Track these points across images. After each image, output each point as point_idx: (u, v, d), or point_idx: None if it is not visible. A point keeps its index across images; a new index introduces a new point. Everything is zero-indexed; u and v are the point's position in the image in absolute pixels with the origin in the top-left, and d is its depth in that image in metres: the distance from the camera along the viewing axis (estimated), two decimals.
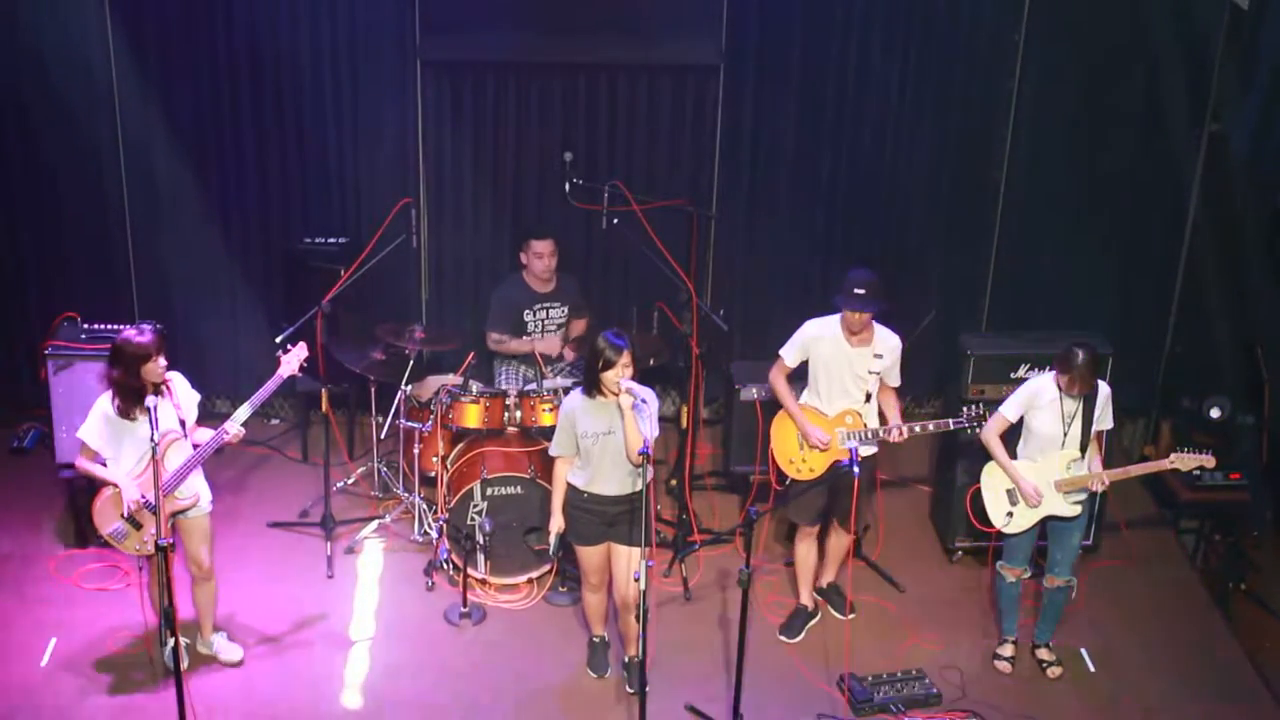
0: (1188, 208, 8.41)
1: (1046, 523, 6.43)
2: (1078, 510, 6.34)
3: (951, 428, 6.55)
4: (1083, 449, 6.26)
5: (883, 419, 6.55)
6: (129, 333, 5.84)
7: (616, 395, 5.84)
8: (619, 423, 5.93)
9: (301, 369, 6.28)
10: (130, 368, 5.80)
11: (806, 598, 6.90)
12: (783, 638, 6.80)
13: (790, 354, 6.55)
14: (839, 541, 6.87)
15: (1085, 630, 6.87)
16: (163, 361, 5.86)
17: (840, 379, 6.48)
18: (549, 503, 6.32)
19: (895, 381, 6.56)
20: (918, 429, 6.51)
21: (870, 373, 6.46)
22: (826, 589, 7.04)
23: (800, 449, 6.55)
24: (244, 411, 6.03)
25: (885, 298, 6.38)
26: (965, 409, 6.52)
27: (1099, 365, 6.18)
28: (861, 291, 6.31)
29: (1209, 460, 6.15)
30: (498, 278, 7.97)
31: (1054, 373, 6.25)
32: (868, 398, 6.52)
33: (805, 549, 6.80)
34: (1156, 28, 7.99)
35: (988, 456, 6.46)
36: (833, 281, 6.52)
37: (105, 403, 5.92)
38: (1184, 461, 6.17)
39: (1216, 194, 8.20)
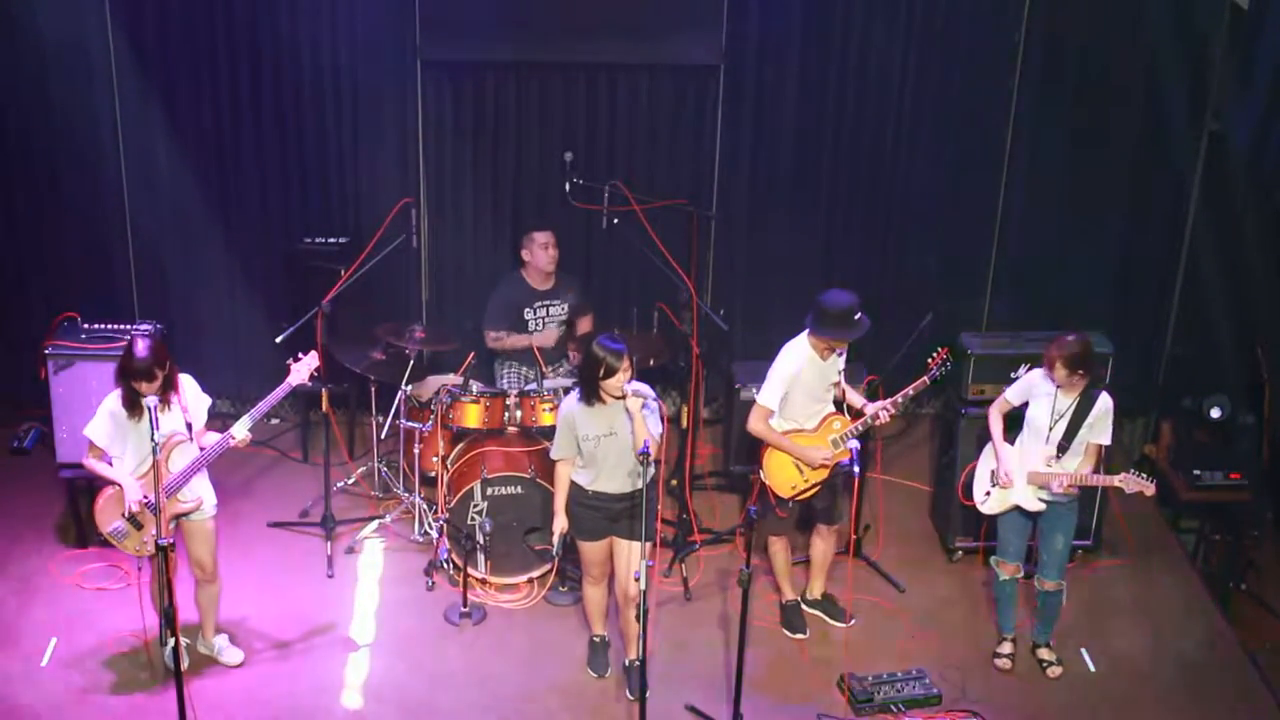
0: (1188, 208, 8.42)
1: (1037, 523, 6.45)
2: (1041, 506, 6.35)
3: (929, 382, 6.43)
4: (1061, 450, 6.24)
5: (852, 410, 6.53)
6: (138, 346, 5.80)
7: (621, 399, 5.84)
8: (620, 423, 5.94)
9: (311, 379, 6.24)
10: (126, 380, 5.83)
11: (791, 591, 6.90)
12: (799, 636, 6.80)
13: (774, 397, 6.41)
14: (826, 548, 6.85)
15: (1085, 630, 6.87)
16: (158, 383, 5.79)
17: (819, 393, 6.47)
18: (550, 503, 6.33)
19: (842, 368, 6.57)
20: (900, 399, 6.40)
21: (838, 373, 6.48)
22: (821, 600, 7.00)
23: (801, 473, 6.50)
24: (249, 419, 6.03)
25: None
26: (930, 359, 6.41)
27: (1083, 359, 6.11)
28: (859, 316, 6.31)
29: (1149, 488, 6.10)
30: (498, 278, 7.97)
31: None
32: (842, 396, 6.56)
33: (780, 547, 6.79)
34: (1156, 28, 8.00)
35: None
36: (833, 281, 6.52)
37: (112, 401, 5.92)
38: (1128, 483, 6.14)
39: (1216, 194, 8.20)
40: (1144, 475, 6.19)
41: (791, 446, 6.45)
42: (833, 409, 6.53)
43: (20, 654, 6.47)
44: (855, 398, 6.59)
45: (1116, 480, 6.18)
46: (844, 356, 6.50)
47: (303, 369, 6.17)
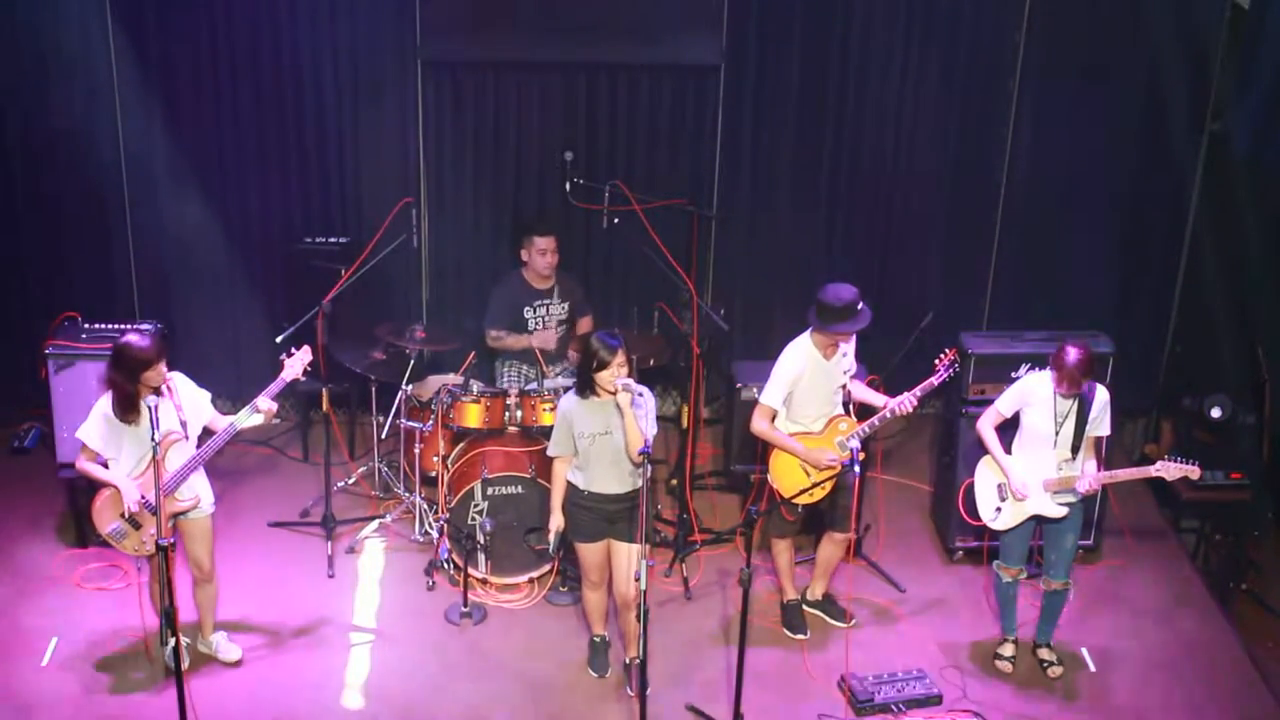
0: (1188, 207, 8.43)
1: (1041, 525, 6.44)
2: (1064, 511, 6.32)
3: (937, 385, 6.41)
4: (1074, 450, 6.24)
5: (865, 407, 6.52)
6: (131, 337, 5.83)
7: (613, 394, 5.85)
8: (615, 423, 5.94)
9: (305, 373, 6.27)
10: (130, 373, 5.80)
11: (792, 591, 6.89)
12: (799, 636, 6.79)
13: (778, 397, 6.40)
14: (834, 551, 6.83)
15: (1085, 630, 6.87)
16: (163, 367, 5.85)
17: (825, 394, 6.46)
18: (549, 502, 6.33)
19: (854, 369, 6.55)
20: (919, 392, 6.36)
21: (844, 373, 6.47)
22: (822, 600, 6.99)
23: (807, 474, 6.48)
24: (245, 414, 6.04)
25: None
26: (937, 360, 6.41)
27: (1091, 366, 6.13)
28: (862, 306, 6.29)
29: (1194, 471, 6.06)
30: (498, 277, 7.97)
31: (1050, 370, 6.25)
32: (848, 397, 6.55)
33: (783, 546, 6.79)
34: (1156, 28, 8.00)
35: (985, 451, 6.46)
36: (834, 281, 6.51)
37: (106, 403, 5.92)
38: (1169, 471, 6.10)
39: (1217, 194, 8.21)
40: (1181, 458, 6.09)
41: (796, 447, 6.44)
42: (840, 411, 6.52)
43: (20, 654, 6.46)
44: (872, 396, 6.53)
45: (1154, 470, 6.13)
46: (850, 356, 6.48)
47: (297, 363, 6.21)
